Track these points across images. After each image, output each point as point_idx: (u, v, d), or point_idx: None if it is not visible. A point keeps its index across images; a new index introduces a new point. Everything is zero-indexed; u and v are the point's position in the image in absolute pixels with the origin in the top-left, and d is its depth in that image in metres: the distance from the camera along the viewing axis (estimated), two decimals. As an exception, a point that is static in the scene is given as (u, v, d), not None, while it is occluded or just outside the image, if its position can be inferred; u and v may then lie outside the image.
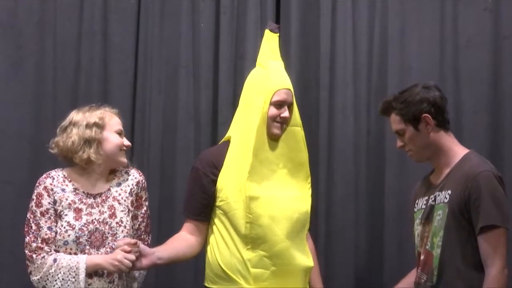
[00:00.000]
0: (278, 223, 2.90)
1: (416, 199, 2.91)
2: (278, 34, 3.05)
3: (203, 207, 2.96)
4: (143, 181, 3.03)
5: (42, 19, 3.92)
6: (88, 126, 2.85)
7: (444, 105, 2.81)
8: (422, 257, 2.80)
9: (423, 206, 2.84)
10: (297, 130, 3.01)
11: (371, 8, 3.79)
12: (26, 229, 2.82)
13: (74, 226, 2.80)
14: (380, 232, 3.69)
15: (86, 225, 2.82)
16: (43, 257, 2.76)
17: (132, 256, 2.76)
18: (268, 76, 2.97)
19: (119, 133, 2.93)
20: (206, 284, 2.96)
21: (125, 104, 3.79)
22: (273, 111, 2.93)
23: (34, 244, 2.78)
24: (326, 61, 3.78)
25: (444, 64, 3.71)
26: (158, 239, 3.42)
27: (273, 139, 2.96)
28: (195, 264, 3.58)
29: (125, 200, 2.93)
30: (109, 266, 2.76)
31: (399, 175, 3.67)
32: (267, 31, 3.06)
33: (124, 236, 2.87)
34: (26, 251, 2.79)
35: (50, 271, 2.75)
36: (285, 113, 2.93)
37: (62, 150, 2.87)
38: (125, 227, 2.89)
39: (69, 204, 2.83)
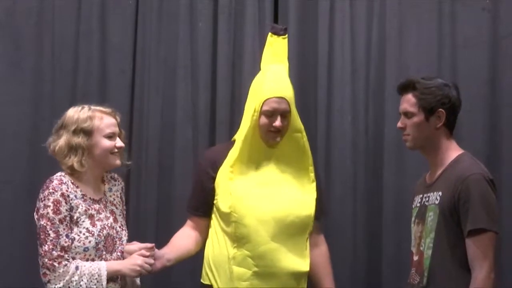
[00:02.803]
0: (265, 225, 2.90)
1: (414, 195, 2.92)
2: (285, 36, 3.02)
3: (201, 203, 3.01)
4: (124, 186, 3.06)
5: (40, 19, 3.92)
6: (76, 132, 2.80)
7: (458, 109, 2.81)
8: (416, 257, 2.80)
9: (418, 205, 2.85)
10: (298, 136, 2.98)
11: (369, 8, 3.79)
12: (42, 237, 2.69)
13: (93, 233, 2.76)
14: (378, 231, 3.69)
15: (101, 231, 2.80)
16: (65, 265, 2.69)
17: (151, 260, 2.81)
18: (262, 83, 2.95)
19: (110, 136, 2.85)
20: (201, 280, 3.02)
21: (123, 104, 3.79)
22: (264, 120, 2.91)
23: (55, 253, 2.68)
24: (324, 61, 3.78)
25: (441, 63, 3.71)
26: (157, 238, 3.43)
27: (270, 146, 2.96)
28: (192, 264, 3.58)
29: (119, 205, 2.95)
30: (129, 272, 2.77)
31: (397, 175, 3.68)
32: (270, 35, 3.02)
33: (125, 240, 2.89)
34: (46, 260, 2.68)
35: (73, 278, 2.69)
36: (277, 123, 2.89)
37: (51, 151, 2.84)
38: (125, 230, 2.91)
39: (85, 210, 2.79)
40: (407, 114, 2.80)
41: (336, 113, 3.76)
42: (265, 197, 2.93)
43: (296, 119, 2.98)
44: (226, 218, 2.93)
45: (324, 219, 3.19)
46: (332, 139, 3.77)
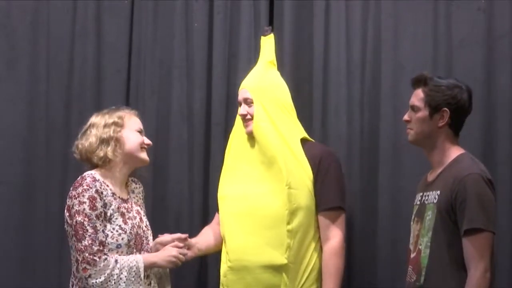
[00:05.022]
0: (239, 220, 3.03)
1: (416, 193, 2.95)
2: (269, 35, 3.21)
3: None
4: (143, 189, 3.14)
5: (35, 19, 3.93)
6: (107, 125, 2.89)
7: (466, 113, 2.85)
8: (413, 255, 2.81)
9: (418, 203, 2.88)
10: (263, 125, 3.10)
11: (364, 8, 3.78)
12: (81, 233, 2.75)
13: (125, 230, 2.83)
14: (373, 232, 3.69)
15: (132, 229, 2.86)
16: (105, 259, 2.74)
17: (185, 251, 2.95)
18: None
19: (140, 132, 2.96)
20: None
21: (118, 104, 3.73)
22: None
23: (95, 247, 2.74)
24: (319, 61, 3.77)
25: (437, 64, 3.69)
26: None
27: (250, 137, 3.13)
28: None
29: (142, 206, 3.04)
30: (165, 264, 2.88)
31: (393, 175, 3.66)
32: (261, 37, 3.24)
33: (151, 239, 2.99)
34: (86, 254, 2.73)
35: (114, 272, 2.74)
36: (239, 111, 3.16)
37: (82, 152, 2.89)
38: (150, 230, 3.00)
39: (118, 208, 2.84)
40: (414, 108, 2.85)
41: (331, 113, 3.74)
42: (243, 192, 3.07)
43: (264, 108, 3.11)
44: None
45: (334, 212, 3.11)
46: (327, 140, 3.76)
